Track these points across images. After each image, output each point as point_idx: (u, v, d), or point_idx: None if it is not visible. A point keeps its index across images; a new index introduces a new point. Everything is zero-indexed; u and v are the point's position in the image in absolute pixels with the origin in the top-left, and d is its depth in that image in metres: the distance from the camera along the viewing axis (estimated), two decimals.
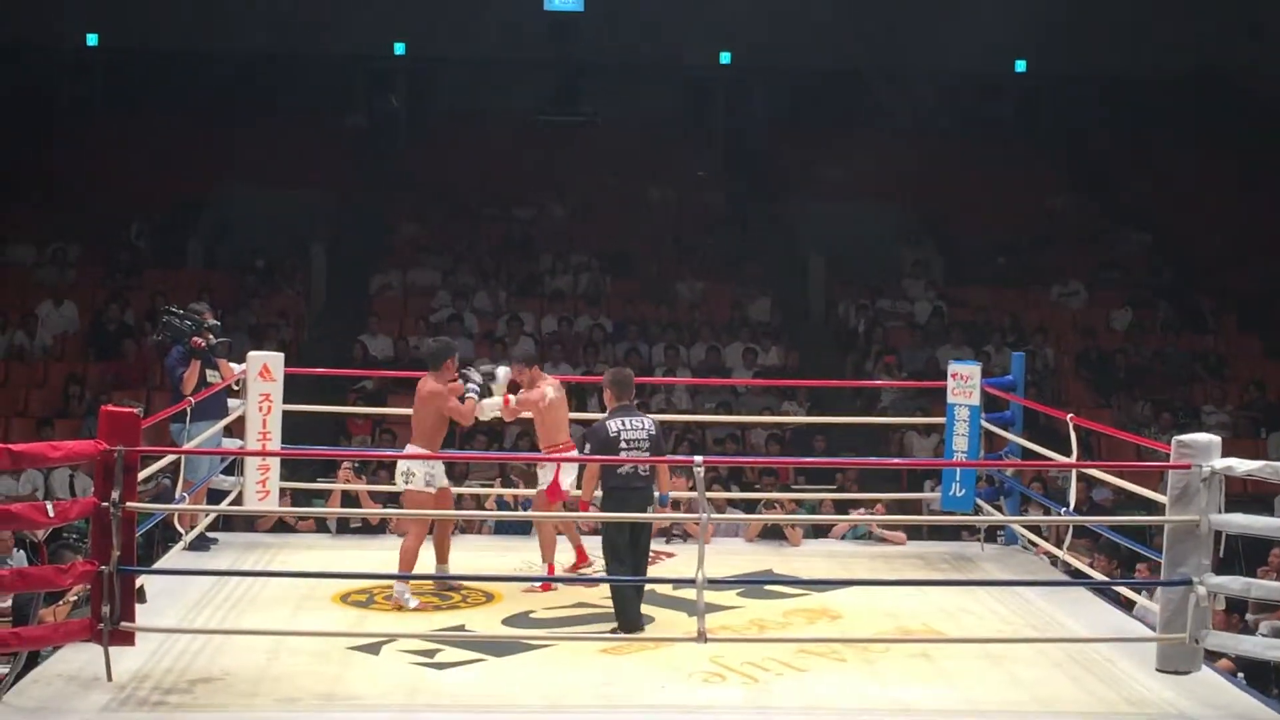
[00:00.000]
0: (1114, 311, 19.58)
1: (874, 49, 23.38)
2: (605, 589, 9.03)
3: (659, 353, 17.73)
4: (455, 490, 11.69)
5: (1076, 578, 9.74)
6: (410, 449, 9.15)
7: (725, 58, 24.68)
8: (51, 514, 7.24)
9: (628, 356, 17.30)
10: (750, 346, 17.90)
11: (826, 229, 21.08)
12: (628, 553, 8.52)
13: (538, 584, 9.24)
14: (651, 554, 9.62)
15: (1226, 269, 20.62)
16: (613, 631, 8.37)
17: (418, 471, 9.06)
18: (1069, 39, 23.38)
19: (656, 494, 8.73)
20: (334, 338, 18.24)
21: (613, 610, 8.51)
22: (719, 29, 23.90)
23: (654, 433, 8.71)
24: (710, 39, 24.16)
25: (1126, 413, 16.98)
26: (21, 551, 11.52)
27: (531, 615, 8.78)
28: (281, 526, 11.37)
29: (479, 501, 12.35)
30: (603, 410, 9.20)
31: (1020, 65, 25.02)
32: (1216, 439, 7.67)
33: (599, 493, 8.75)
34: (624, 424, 8.67)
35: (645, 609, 8.64)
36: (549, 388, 9.60)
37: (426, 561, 9.24)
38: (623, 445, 8.59)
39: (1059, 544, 10.07)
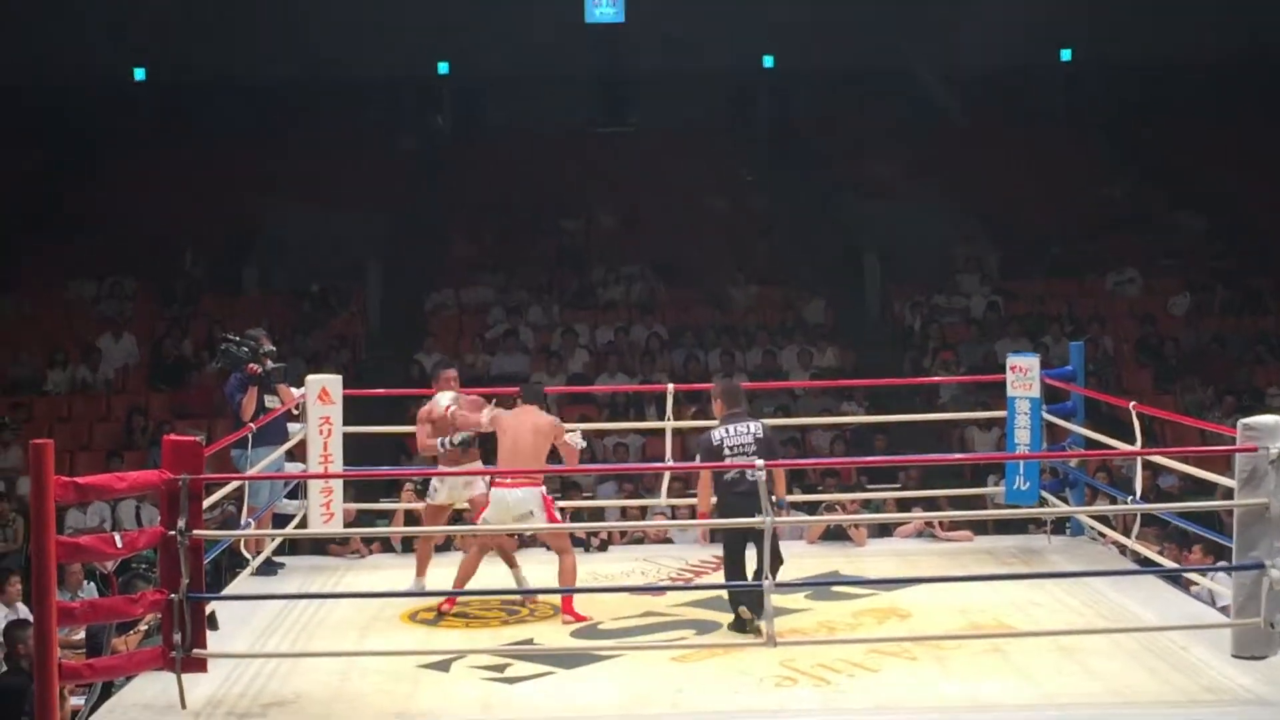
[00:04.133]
0: (1172, 297, 19.41)
1: (918, 44, 23.29)
2: (671, 597, 9.06)
3: (715, 359, 17.71)
4: None
5: (1146, 566, 9.65)
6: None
7: (768, 61, 24.66)
8: (120, 545, 7.31)
9: (686, 363, 17.30)
10: (806, 348, 17.86)
11: (878, 227, 21.02)
12: (739, 555, 8.55)
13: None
14: (716, 560, 9.63)
15: None
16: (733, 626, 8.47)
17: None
18: (1113, 25, 23.24)
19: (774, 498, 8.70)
20: (391, 358, 18.32)
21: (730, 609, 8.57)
22: (760, 32, 23.88)
23: (761, 436, 8.72)
24: (752, 43, 24.16)
25: (1188, 398, 16.83)
26: (92, 583, 11.68)
27: (600, 626, 8.77)
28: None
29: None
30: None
31: (1065, 54, 24.87)
32: None
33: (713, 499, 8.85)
34: (728, 431, 8.73)
35: (712, 615, 8.71)
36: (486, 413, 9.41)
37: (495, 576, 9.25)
38: (726, 452, 8.64)
39: (1126, 533, 9.99)
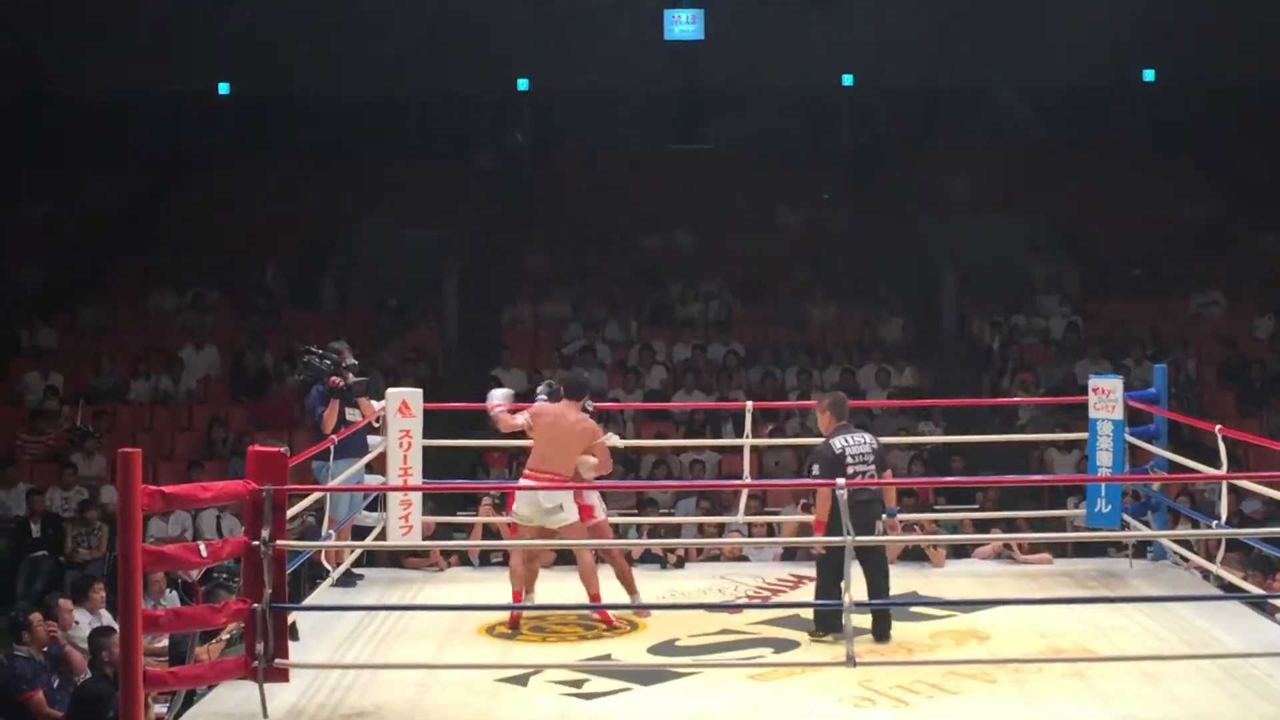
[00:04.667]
0: (1256, 319, 19.18)
1: (997, 62, 23.17)
2: (748, 615, 9.04)
3: (792, 376, 17.68)
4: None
5: (1230, 592, 9.52)
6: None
7: (848, 79, 24.60)
8: (204, 554, 7.37)
9: (763, 381, 17.28)
10: (884, 367, 17.79)
11: (957, 246, 20.93)
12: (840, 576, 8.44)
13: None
14: (794, 578, 9.61)
15: None
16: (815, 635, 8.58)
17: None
18: (1197, 45, 23.01)
19: (885, 508, 8.78)
20: (469, 372, 18.40)
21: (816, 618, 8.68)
22: (840, 50, 23.82)
23: (877, 448, 8.84)
24: (832, 61, 24.10)
25: (1274, 422, 16.62)
26: (174, 592, 11.80)
27: (677, 643, 8.75)
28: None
29: (619, 530, 12.41)
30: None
31: (1149, 74, 24.66)
32: None
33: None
34: (848, 441, 8.79)
35: (789, 634, 8.71)
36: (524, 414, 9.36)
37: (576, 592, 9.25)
38: (848, 461, 8.68)
39: (1209, 558, 9.87)
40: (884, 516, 8.75)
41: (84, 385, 17.66)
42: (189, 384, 17.89)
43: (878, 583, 8.67)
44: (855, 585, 7.56)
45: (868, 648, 8.37)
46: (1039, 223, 22.01)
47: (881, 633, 8.65)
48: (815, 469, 8.81)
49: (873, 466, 8.72)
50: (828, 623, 8.57)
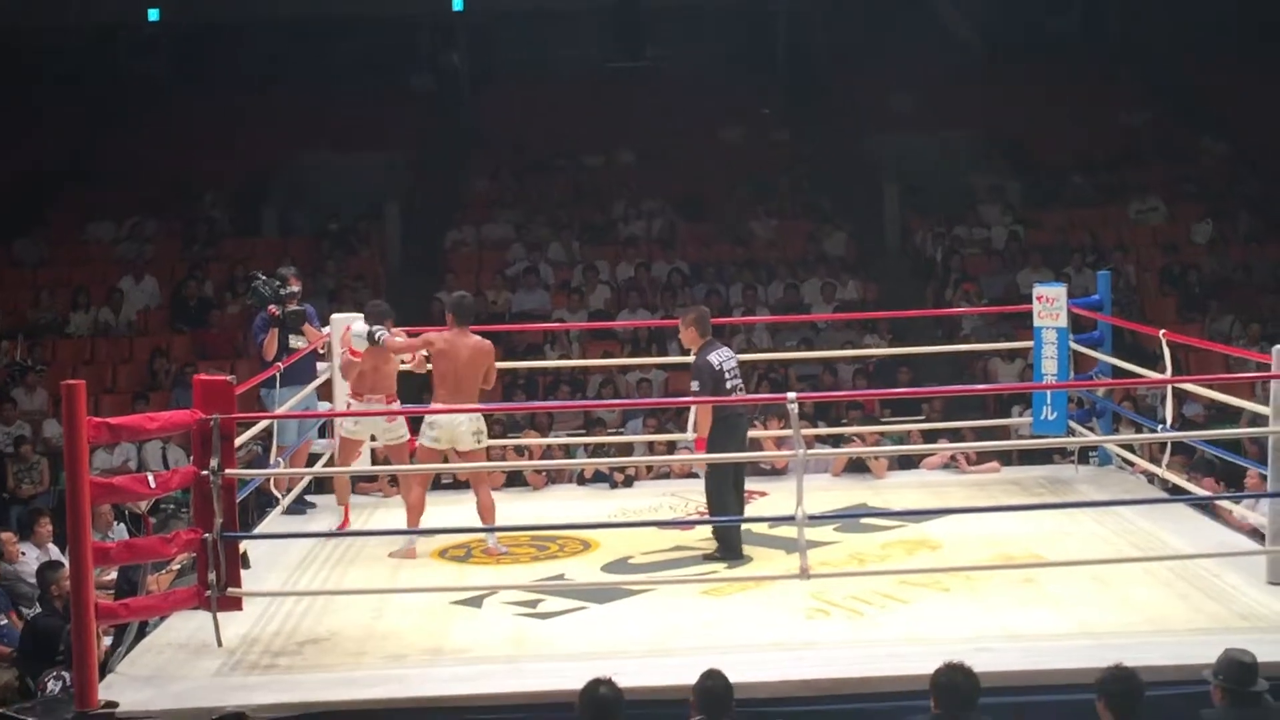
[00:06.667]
0: (1195, 225, 19.27)
1: None
2: (700, 531, 9.07)
3: (736, 293, 17.67)
4: (545, 440, 11.83)
5: (1176, 495, 9.62)
6: (460, 404, 9.08)
7: None
8: (153, 485, 7.31)
9: (707, 298, 17.25)
10: (828, 281, 17.80)
11: (898, 159, 20.91)
12: (732, 488, 8.78)
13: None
14: (745, 493, 9.65)
15: None
16: (716, 560, 8.64)
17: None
18: None
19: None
20: (412, 296, 18.27)
21: (714, 548, 8.72)
22: None
23: (737, 359, 9.04)
24: None
25: (1213, 326, 16.76)
26: (121, 524, 11.72)
27: (630, 561, 8.79)
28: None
29: (568, 451, 12.42)
30: (680, 352, 9.32)
31: None
32: None
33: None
34: (722, 355, 8.85)
35: (744, 549, 8.74)
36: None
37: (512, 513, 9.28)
38: (726, 375, 8.78)
39: (1154, 462, 9.96)
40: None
41: (22, 319, 17.45)
42: (129, 315, 17.71)
43: (740, 497, 8.92)
44: (806, 499, 7.57)
45: (819, 560, 8.41)
46: (979, 133, 22.01)
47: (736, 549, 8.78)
48: (696, 385, 8.84)
49: (741, 379, 8.93)
50: (730, 546, 8.72)
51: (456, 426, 9.04)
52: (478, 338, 9.23)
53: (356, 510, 10.26)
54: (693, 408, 9.52)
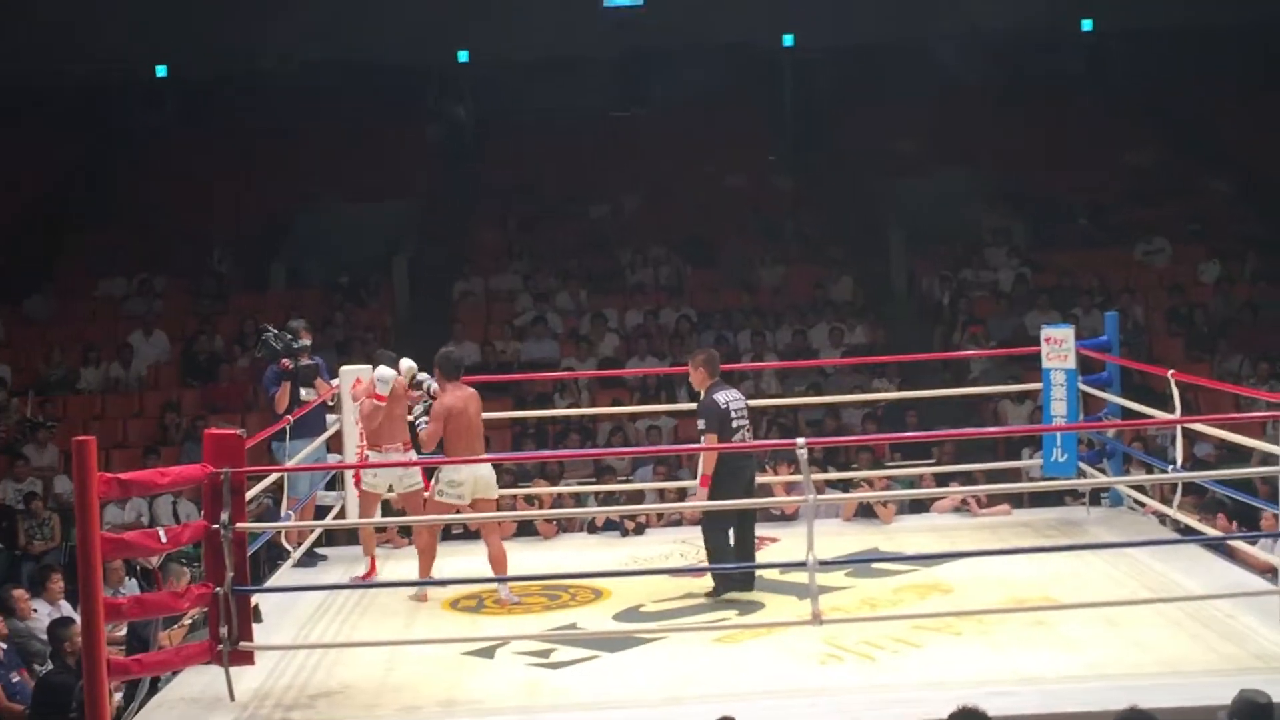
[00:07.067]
0: (1201, 264, 19.28)
1: (935, 14, 23.23)
2: (711, 579, 9.06)
3: (745, 339, 17.69)
4: (555, 489, 11.84)
5: (1187, 535, 9.59)
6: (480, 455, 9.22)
7: (788, 40, 24.59)
8: (164, 540, 7.32)
9: (716, 344, 17.24)
10: (836, 326, 17.81)
11: (903, 202, 20.95)
12: (724, 530, 8.89)
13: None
14: (756, 539, 9.64)
15: None
16: (711, 595, 8.75)
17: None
18: None
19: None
20: (420, 347, 18.24)
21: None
22: (779, 11, 23.82)
23: (746, 401, 9.10)
24: (772, 22, 24.09)
25: (1222, 366, 16.74)
26: (133, 579, 11.72)
27: (642, 609, 8.77)
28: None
29: (578, 499, 12.42)
30: (689, 399, 9.36)
31: (1087, 24, 24.75)
32: None
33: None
34: (729, 396, 8.93)
35: (754, 596, 8.80)
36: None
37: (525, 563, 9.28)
38: (732, 416, 8.85)
39: (1165, 503, 9.94)
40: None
41: (34, 376, 17.49)
42: (139, 370, 17.75)
43: (745, 534, 8.95)
44: (817, 544, 7.56)
45: (832, 605, 8.40)
46: (984, 175, 22.06)
47: (747, 582, 8.87)
48: (701, 423, 8.91)
49: (748, 420, 8.99)
50: (725, 583, 8.81)
51: (483, 476, 9.13)
52: (470, 389, 9.34)
53: (368, 562, 10.25)
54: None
